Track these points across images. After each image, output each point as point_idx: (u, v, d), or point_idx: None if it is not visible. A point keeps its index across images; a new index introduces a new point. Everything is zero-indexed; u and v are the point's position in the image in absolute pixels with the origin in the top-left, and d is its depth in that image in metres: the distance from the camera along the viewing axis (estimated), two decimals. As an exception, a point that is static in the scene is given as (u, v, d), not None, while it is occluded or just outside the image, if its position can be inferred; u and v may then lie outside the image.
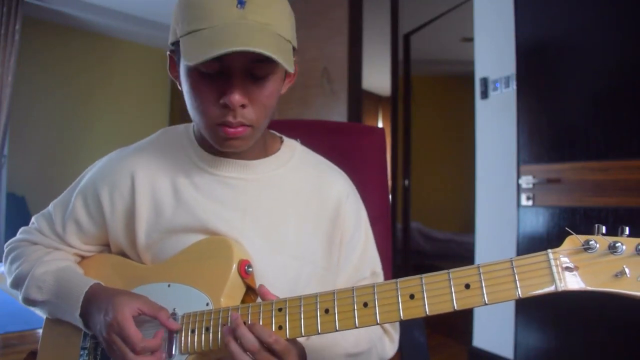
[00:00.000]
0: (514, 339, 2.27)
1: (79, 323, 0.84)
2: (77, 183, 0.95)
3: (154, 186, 0.87)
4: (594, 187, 1.94)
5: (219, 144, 0.80)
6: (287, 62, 0.71)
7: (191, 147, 0.90)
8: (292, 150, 0.94)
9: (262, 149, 0.90)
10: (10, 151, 4.62)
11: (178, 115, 5.92)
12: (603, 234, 0.57)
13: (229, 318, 0.72)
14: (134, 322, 0.75)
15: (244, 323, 0.71)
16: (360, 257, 0.93)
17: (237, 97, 0.72)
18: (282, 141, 0.95)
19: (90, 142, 5.36)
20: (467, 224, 2.94)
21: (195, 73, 0.75)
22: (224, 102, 0.73)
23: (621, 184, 1.86)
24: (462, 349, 2.75)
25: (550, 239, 2.09)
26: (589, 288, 0.57)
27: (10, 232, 4.65)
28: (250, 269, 0.79)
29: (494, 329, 2.51)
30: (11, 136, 4.58)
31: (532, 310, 2.19)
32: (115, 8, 4.86)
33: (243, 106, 0.75)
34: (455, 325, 2.94)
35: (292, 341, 0.73)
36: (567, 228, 0.58)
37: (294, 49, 0.79)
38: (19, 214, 4.79)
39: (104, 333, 0.76)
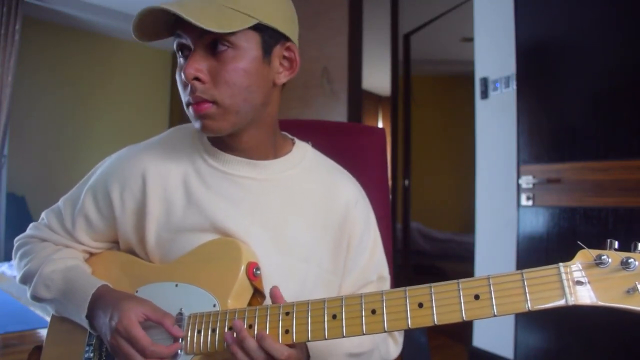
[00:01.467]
0: (514, 339, 2.27)
1: (85, 324, 0.84)
2: (87, 179, 0.95)
3: (166, 186, 0.87)
4: (594, 187, 1.95)
5: (196, 126, 0.82)
6: (213, 23, 0.72)
7: (202, 145, 0.90)
8: (304, 153, 0.94)
9: (273, 150, 0.90)
10: (10, 151, 4.61)
11: (178, 115, 5.91)
12: (615, 249, 0.57)
13: (233, 326, 0.72)
14: (140, 327, 0.75)
15: (250, 326, 0.72)
16: (367, 261, 0.94)
17: (189, 70, 0.75)
18: (294, 143, 0.95)
19: (91, 142, 5.35)
20: (467, 224, 2.94)
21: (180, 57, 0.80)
22: (182, 78, 0.76)
23: (621, 184, 1.86)
24: (462, 349, 2.75)
25: (550, 239, 2.09)
26: (600, 303, 0.57)
27: (10, 232, 4.65)
28: (258, 272, 0.80)
29: (494, 329, 2.51)
30: (11, 136, 4.57)
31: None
32: (115, 8, 4.85)
33: (199, 80, 0.76)
34: (456, 326, 2.93)
35: (300, 348, 0.74)
36: (579, 242, 0.57)
37: (277, 33, 0.80)
38: (19, 214, 4.78)
39: (109, 337, 0.77)
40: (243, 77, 0.77)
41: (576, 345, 2.02)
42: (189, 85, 0.76)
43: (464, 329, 2.70)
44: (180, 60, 0.80)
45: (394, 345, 0.95)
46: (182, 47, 0.79)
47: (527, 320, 2.21)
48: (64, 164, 5.09)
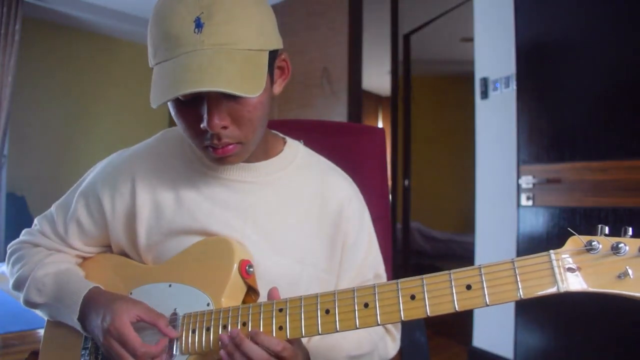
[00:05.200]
0: (514, 339, 2.27)
1: (77, 326, 0.84)
2: (79, 185, 0.95)
3: (155, 188, 0.87)
4: (594, 187, 1.94)
5: (214, 163, 0.81)
6: (250, 84, 0.68)
7: (192, 149, 0.89)
8: (295, 152, 0.93)
9: (264, 151, 0.89)
10: (10, 151, 4.62)
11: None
12: (606, 235, 0.57)
13: (230, 334, 0.70)
14: (132, 328, 0.75)
15: (244, 324, 0.71)
16: (363, 260, 0.93)
17: (215, 122, 0.70)
18: (285, 142, 0.94)
19: (90, 142, 5.36)
20: (467, 224, 2.94)
21: (175, 101, 0.74)
22: (204, 127, 0.71)
23: (621, 184, 1.86)
24: (462, 349, 2.75)
25: (550, 239, 2.09)
26: (592, 289, 0.56)
27: (10, 232, 4.65)
28: (251, 269, 0.79)
29: (494, 329, 2.51)
30: (11, 136, 4.58)
31: (532, 310, 2.19)
32: (116, 8, 4.86)
33: (225, 127, 0.72)
34: (456, 326, 2.93)
35: (297, 345, 0.73)
36: (569, 229, 0.57)
37: (275, 51, 0.76)
38: (19, 214, 4.78)
39: (102, 339, 0.77)
40: (261, 110, 0.76)
41: (576, 345, 2.01)
42: (208, 133, 0.72)
43: (463, 329, 2.69)
44: (175, 107, 0.74)
45: (392, 342, 0.95)
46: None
47: (527, 320, 2.21)
48: (64, 163, 5.10)
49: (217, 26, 0.68)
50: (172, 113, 0.76)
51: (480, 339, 2.59)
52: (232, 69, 0.67)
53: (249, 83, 0.68)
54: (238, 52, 0.69)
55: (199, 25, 0.68)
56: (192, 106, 0.72)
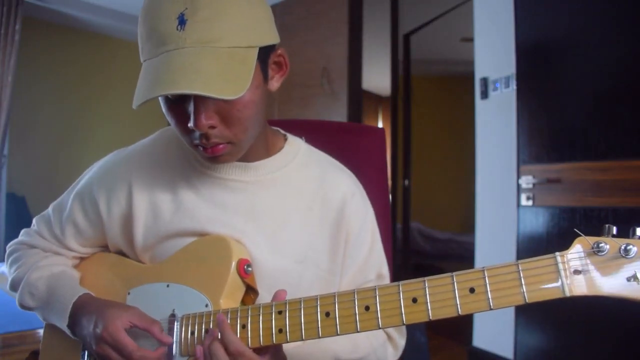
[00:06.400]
0: (514, 339, 2.27)
1: (68, 333, 0.83)
2: (75, 185, 0.94)
3: (152, 190, 0.86)
4: (594, 187, 1.94)
5: (207, 162, 0.79)
6: (233, 84, 0.65)
7: (190, 150, 0.87)
8: (296, 149, 0.90)
9: (264, 149, 0.86)
10: (10, 151, 4.61)
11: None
12: (614, 235, 0.54)
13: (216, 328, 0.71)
14: (126, 333, 0.74)
15: (243, 326, 0.70)
16: (365, 259, 0.90)
17: (202, 121, 0.68)
18: (286, 139, 0.91)
19: (91, 142, 5.36)
20: (467, 224, 2.94)
21: (164, 98, 0.72)
22: (191, 126, 0.69)
23: (621, 184, 1.86)
24: (462, 349, 2.75)
25: (551, 239, 2.08)
26: (599, 293, 0.54)
27: (10, 232, 4.65)
28: (249, 269, 0.78)
29: (494, 329, 2.50)
30: (11, 136, 4.57)
31: (532, 311, 2.19)
32: (116, 8, 4.85)
33: (212, 127, 0.70)
34: (456, 325, 2.93)
35: (274, 354, 0.72)
36: (575, 229, 0.55)
37: (270, 47, 0.74)
38: (19, 214, 4.78)
39: (95, 346, 0.76)
40: (252, 108, 0.72)
41: (576, 345, 2.01)
42: (197, 132, 0.70)
43: (464, 329, 2.69)
44: (165, 104, 0.73)
45: (393, 350, 0.92)
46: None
47: (527, 320, 2.20)
48: (64, 163, 5.09)
49: (200, 23, 0.65)
50: (163, 110, 0.74)
51: (480, 339, 2.59)
52: (213, 68, 0.65)
53: (231, 83, 0.65)
54: (221, 50, 0.66)
55: (182, 22, 0.65)
56: (180, 104, 0.71)
